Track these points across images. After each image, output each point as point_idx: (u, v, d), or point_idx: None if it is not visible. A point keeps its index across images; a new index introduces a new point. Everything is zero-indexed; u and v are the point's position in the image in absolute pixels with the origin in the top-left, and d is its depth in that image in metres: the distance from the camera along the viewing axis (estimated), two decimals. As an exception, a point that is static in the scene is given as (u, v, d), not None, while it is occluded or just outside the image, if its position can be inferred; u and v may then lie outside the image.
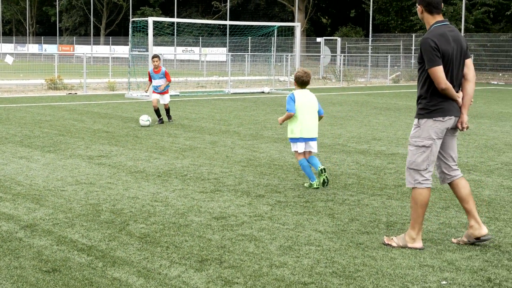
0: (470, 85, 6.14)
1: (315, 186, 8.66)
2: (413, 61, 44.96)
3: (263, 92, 27.56)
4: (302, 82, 8.85)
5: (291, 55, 35.64)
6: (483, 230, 6.13)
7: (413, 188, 6.17)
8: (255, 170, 9.90)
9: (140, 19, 26.98)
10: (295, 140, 8.78)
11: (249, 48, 51.06)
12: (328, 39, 48.54)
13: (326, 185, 8.76)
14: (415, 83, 38.13)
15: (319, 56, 43.77)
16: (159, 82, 16.03)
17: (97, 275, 5.32)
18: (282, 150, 11.82)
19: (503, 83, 39.81)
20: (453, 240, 6.35)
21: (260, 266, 5.59)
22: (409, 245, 6.12)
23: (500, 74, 44.38)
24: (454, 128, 6.22)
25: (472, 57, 6.11)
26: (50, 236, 6.34)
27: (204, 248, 6.03)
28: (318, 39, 46.86)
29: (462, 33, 44.81)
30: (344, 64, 38.78)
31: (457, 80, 6.10)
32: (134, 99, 23.21)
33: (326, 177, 8.80)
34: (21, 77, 32.49)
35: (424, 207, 6.12)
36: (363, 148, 12.15)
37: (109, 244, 6.13)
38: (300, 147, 8.77)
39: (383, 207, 7.70)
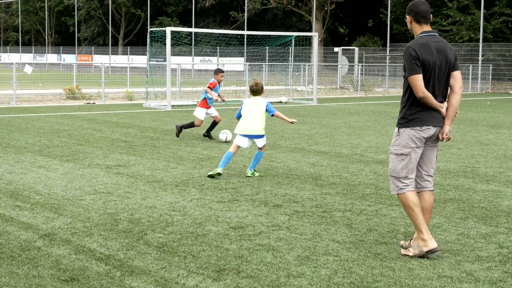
0: (456, 97, 6.16)
1: (210, 172, 10.03)
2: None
3: (280, 102, 27.56)
4: (252, 91, 10.55)
5: (308, 65, 35.65)
6: (432, 243, 6.10)
7: (398, 194, 6.30)
8: (272, 179, 9.90)
9: (158, 29, 27.10)
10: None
11: (267, 57, 51.14)
12: (345, 48, 48.50)
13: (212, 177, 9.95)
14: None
15: (337, 66, 43.73)
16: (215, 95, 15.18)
17: (115, 285, 5.33)
18: (300, 160, 11.80)
19: (522, 93, 39.52)
20: (402, 242, 6.45)
21: (278, 276, 5.58)
22: (425, 249, 6.09)
23: (519, 84, 44.08)
24: (436, 139, 6.26)
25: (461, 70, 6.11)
26: (68, 245, 6.36)
27: (222, 258, 6.03)
28: (336, 49, 46.83)
29: (481, 43, 44.68)
30: (361, 74, 38.74)
31: (441, 90, 6.15)
32: (152, 108, 23.30)
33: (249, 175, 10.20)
34: (40, 87, 32.72)
35: (416, 208, 6.18)
36: (381, 158, 12.11)
37: (127, 253, 6.14)
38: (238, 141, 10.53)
39: (401, 217, 7.66)
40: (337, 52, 45.36)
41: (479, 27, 46.11)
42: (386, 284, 5.43)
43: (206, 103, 14.70)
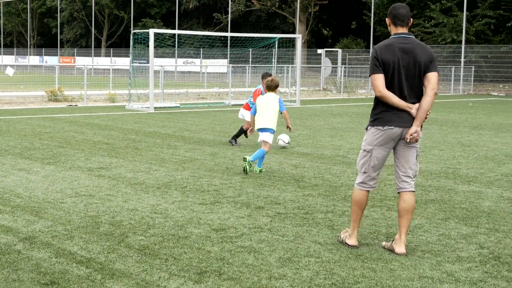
0: (426, 99, 6.21)
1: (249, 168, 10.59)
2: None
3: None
4: (267, 86, 11.14)
5: (292, 67, 35.69)
6: (400, 249, 6.26)
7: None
8: (255, 181, 9.89)
9: (141, 31, 27.04)
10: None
11: (250, 59, 51.15)
12: (329, 50, 48.61)
13: (246, 173, 10.52)
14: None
15: (320, 67, 43.82)
16: None
17: (96, 288, 5.31)
18: (282, 161, 11.81)
19: (504, 94, 39.81)
20: (384, 243, 6.55)
21: (259, 278, 5.58)
22: (346, 240, 6.50)
23: (501, 86, 44.38)
24: (415, 142, 6.33)
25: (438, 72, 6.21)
26: (49, 249, 6.32)
27: (203, 260, 6.01)
28: (319, 51, 46.91)
29: (463, 45, 44.90)
30: (344, 76, 38.82)
31: (412, 91, 6.23)
32: (134, 110, 23.24)
33: (245, 166, 10.53)
34: (22, 89, 32.54)
35: (357, 206, 6.45)
36: (363, 160, 12.11)
37: (108, 256, 6.11)
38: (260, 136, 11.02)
39: (383, 218, 7.69)
40: (321, 54, 45.46)
41: (462, 29, 46.38)
42: (367, 285, 5.44)
43: (249, 106, 14.01)
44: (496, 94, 40.06)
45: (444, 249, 6.47)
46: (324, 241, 6.71)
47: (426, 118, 6.27)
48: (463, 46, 45.06)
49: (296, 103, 27.25)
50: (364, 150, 6.42)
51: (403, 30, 6.30)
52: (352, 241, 6.50)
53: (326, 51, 45.84)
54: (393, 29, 6.34)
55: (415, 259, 6.12)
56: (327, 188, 9.41)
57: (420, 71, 6.21)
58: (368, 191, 6.49)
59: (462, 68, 42.81)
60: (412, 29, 54.19)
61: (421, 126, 6.29)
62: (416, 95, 6.25)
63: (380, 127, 6.29)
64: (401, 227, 6.34)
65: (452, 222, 7.57)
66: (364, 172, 6.43)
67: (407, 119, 6.23)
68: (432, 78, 6.21)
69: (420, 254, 6.29)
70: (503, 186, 9.79)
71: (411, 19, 6.38)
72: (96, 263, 5.91)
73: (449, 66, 43.30)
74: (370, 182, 6.45)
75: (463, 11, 46.08)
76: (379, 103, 6.30)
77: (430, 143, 14.64)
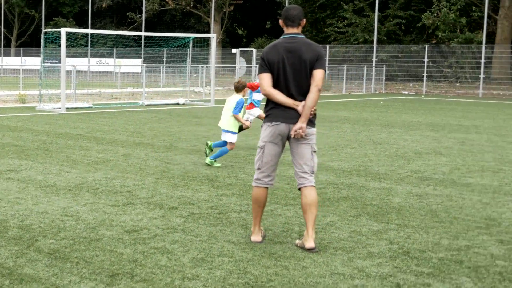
0: (310, 96, 6.36)
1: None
2: (327, 71, 45.61)
3: (178, 104, 27.45)
4: (235, 88, 11.47)
5: (206, 66, 35.65)
6: (309, 244, 6.35)
7: None
8: (168, 182, 9.82)
9: (52, 30, 26.44)
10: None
11: (165, 59, 50.82)
12: (243, 50, 48.79)
13: (206, 155, 11.50)
14: (329, 93, 38.74)
15: (235, 67, 43.92)
16: (261, 96, 13.82)
17: (3, 294, 5.16)
18: (196, 161, 11.77)
19: (414, 93, 40.88)
20: (297, 241, 6.64)
21: (173, 279, 5.53)
22: (252, 238, 6.66)
23: (411, 84, 45.56)
24: (304, 136, 6.46)
25: (324, 70, 6.38)
26: (-46, 254, 6.11)
27: (115, 263, 5.93)
28: (234, 50, 47.04)
29: (375, 45, 45.83)
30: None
31: (300, 89, 6.39)
32: (45, 111, 22.72)
33: (206, 150, 11.58)
34: None
35: (255, 203, 6.63)
36: (277, 158, 12.20)
37: (16, 261, 5.95)
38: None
39: (296, 216, 7.75)
40: (235, 54, 45.57)
41: (374, 29, 47.36)
42: (280, 283, 5.47)
43: (252, 105, 13.65)
44: (406, 92, 41.08)
45: (355, 246, 6.57)
46: (237, 240, 6.72)
47: (312, 114, 6.39)
48: (374, 46, 46.02)
49: (210, 102, 27.24)
50: (259, 147, 6.61)
51: (293, 30, 6.50)
52: (255, 237, 6.63)
53: (241, 50, 46.01)
54: (285, 30, 6.55)
55: (327, 256, 6.20)
56: (241, 188, 9.44)
57: (306, 69, 6.37)
58: (266, 188, 6.61)
59: (374, 67, 43.72)
60: (325, 29, 55.10)
61: (311, 123, 6.42)
62: (304, 93, 6.41)
63: (269, 123, 6.50)
64: (307, 222, 6.42)
65: (364, 218, 7.71)
66: (259, 169, 6.59)
67: (293, 115, 6.39)
68: (316, 75, 6.36)
69: (332, 251, 6.38)
70: (412, 182, 10.03)
71: (304, 19, 6.59)
72: (4, 268, 5.74)
73: (361, 66, 44.17)
74: (265, 178, 6.58)
75: (375, 12, 47.06)
76: (269, 101, 6.51)
77: (343, 142, 14.88)
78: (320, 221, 7.50)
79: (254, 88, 13.36)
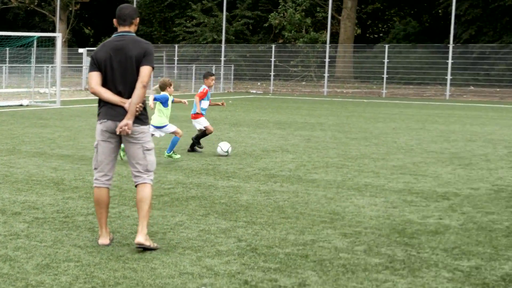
0: (135, 92, 6.39)
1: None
2: (175, 71, 45.61)
3: (21, 105, 26.48)
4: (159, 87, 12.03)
5: (52, 66, 34.64)
6: (137, 238, 6.36)
7: None
8: (11, 186, 9.45)
9: None
10: None
11: (7, 59, 48.87)
12: (90, 49, 47.75)
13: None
14: (178, 93, 38.74)
15: (82, 67, 42.96)
16: (207, 104, 13.84)
17: None
18: (41, 164, 11.40)
19: (262, 92, 41.68)
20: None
21: (15, 287, 5.33)
22: (99, 241, 6.56)
23: (259, 83, 46.42)
24: (137, 135, 6.47)
25: (149, 67, 6.44)
26: None
27: (-47, 273, 5.63)
28: (80, 50, 46.01)
29: (223, 44, 46.31)
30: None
31: (123, 86, 6.42)
32: None
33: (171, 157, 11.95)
34: None
35: (98, 205, 6.60)
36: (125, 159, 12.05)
37: None
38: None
39: (145, 217, 7.67)
40: (82, 53, 44.57)
41: (222, 29, 47.82)
42: (129, 285, 5.40)
43: (198, 115, 13.32)
44: (254, 91, 41.81)
45: (204, 245, 6.60)
46: (84, 244, 6.57)
47: (138, 111, 6.39)
48: (223, 46, 46.49)
49: (56, 103, 26.47)
50: (94, 146, 6.62)
51: (124, 29, 6.53)
52: (102, 240, 6.54)
53: (87, 50, 45.02)
54: (118, 28, 6.57)
55: (176, 256, 6.19)
56: (87, 190, 9.23)
57: (133, 66, 6.39)
58: (107, 188, 6.59)
59: (222, 66, 44.14)
60: (174, 29, 55.05)
61: (141, 121, 6.42)
62: (133, 90, 6.41)
63: (98, 122, 6.53)
64: (139, 218, 6.43)
65: (212, 217, 7.76)
66: (95, 168, 6.59)
67: (120, 113, 6.40)
68: (142, 71, 6.38)
69: (181, 251, 6.37)
70: (260, 180, 10.21)
71: (137, 18, 6.63)
72: None
73: (210, 65, 44.46)
74: (103, 178, 6.57)
75: (223, 12, 47.52)
76: (100, 100, 6.53)
77: (190, 141, 14.89)
78: (169, 221, 7.48)
79: (202, 97, 13.34)
